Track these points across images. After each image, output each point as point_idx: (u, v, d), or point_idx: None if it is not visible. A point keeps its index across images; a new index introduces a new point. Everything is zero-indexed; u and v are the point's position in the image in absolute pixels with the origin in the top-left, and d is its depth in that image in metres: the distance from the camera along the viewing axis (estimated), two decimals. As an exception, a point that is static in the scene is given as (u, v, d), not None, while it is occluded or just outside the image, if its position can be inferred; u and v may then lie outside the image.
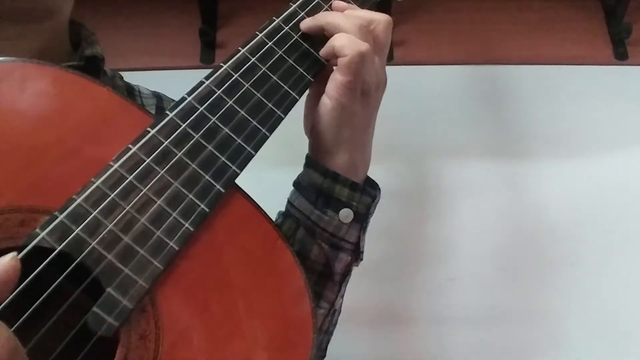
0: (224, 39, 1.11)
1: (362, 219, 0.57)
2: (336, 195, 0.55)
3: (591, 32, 1.16)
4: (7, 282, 0.36)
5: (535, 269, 1.04)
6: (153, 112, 0.63)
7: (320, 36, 0.54)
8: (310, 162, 0.56)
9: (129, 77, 0.67)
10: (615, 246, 1.05)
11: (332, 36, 0.53)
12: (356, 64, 0.51)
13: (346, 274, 0.58)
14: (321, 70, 0.55)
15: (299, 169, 0.57)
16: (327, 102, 0.53)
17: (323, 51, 0.54)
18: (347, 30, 0.52)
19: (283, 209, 0.59)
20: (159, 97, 0.67)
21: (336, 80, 0.52)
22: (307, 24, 0.54)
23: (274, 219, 0.59)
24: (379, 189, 0.60)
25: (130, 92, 0.65)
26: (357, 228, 0.56)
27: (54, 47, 0.56)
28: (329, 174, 0.55)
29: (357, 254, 0.58)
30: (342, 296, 0.59)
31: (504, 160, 1.09)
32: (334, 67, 0.53)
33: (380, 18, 0.55)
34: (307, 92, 0.55)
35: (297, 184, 0.58)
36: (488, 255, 1.04)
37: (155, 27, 1.13)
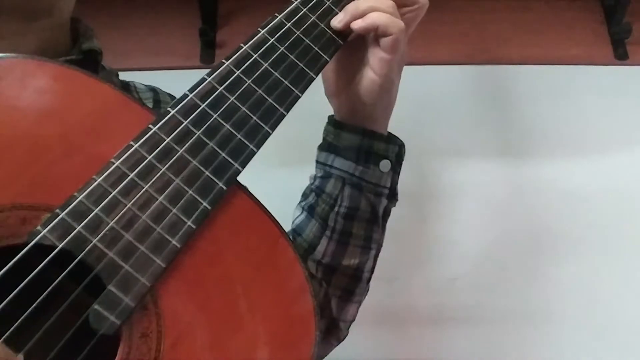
0: (224, 39, 1.11)
1: (395, 165, 0.63)
2: (375, 150, 0.61)
3: (591, 32, 1.16)
4: None
5: (535, 269, 1.04)
6: (151, 106, 0.64)
7: (322, 32, 0.54)
8: (344, 125, 0.61)
9: (129, 77, 0.67)
10: (615, 246, 1.05)
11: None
12: (400, 42, 0.55)
13: (387, 215, 0.65)
14: (324, 65, 0.54)
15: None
16: (374, 77, 0.57)
17: (360, 27, 0.55)
18: (385, 10, 0.55)
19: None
20: (154, 91, 0.67)
21: (382, 58, 0.56)
22: (343, 20, 0.55)
23: (305, 188, 0.63)
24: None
25: (126, 89, 0.65)
26: (391, 174, 0.63)
27: (54, 45, 0.56)
28: (367, 134, 0.60)
29: (392, 196, 0.64)
30: (384, 233, 0.65)
31: (504, 160, 1.09)
32: (375, 47, 0.56)
33: None
34: (309, 83, 0.54)
35: (331, 146, 0.61)
36: (488, 255, 1.04)
37: (155, 27, 1.13)
